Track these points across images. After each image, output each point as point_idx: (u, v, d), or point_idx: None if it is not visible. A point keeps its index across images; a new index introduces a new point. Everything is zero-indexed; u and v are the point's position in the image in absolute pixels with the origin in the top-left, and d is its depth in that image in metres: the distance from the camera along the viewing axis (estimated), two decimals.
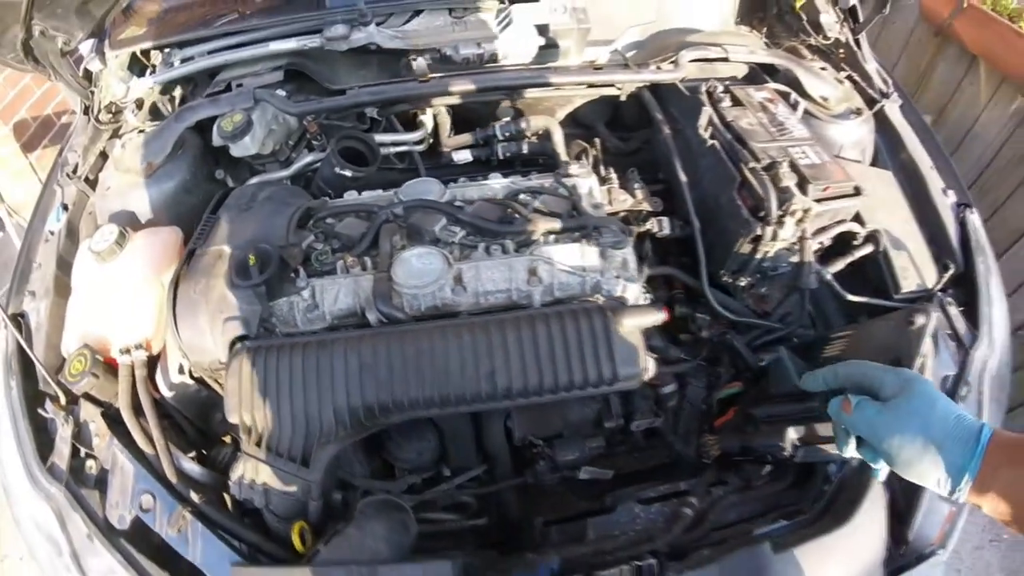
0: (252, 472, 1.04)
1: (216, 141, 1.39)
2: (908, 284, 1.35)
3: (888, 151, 1.57)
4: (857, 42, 1.66)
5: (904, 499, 1.20)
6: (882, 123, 1.59)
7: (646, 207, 1.41)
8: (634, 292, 1.19)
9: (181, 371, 1.20)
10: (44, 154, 2.74)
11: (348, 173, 1.44)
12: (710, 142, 1.34)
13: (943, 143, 1.63)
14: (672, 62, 1.45)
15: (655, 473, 1.41)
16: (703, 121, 1.35)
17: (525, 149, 1.54)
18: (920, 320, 1.02)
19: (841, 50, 1.69)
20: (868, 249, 1.37)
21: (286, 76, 1.52)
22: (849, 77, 1.65)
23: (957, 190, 1.52)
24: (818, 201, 1.26)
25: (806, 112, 1.49)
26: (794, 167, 1.27)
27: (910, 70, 2.13)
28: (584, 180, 1.36)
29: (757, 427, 1.18)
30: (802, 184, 1.25)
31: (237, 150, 1.39)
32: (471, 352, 1.04)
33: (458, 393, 1.03)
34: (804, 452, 1.12)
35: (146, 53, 1.58)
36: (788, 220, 1.23)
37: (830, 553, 1.00)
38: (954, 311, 1.34)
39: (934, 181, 1.51)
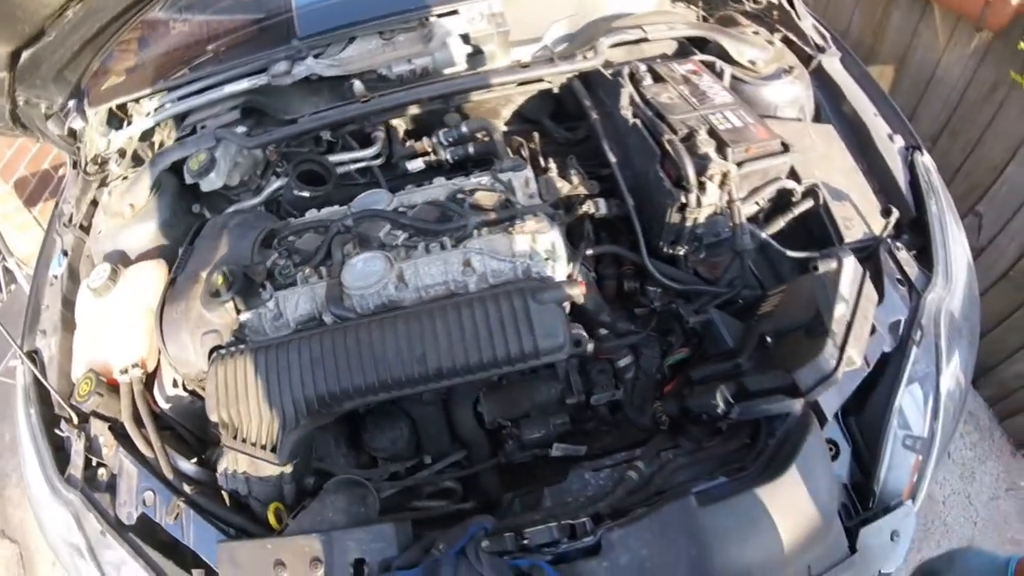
0: (233, 463, 1.16)
1: (188, 179, 1.54)
2: (852, 234, 1.32)
3: (829, 105, 1.54)
4: (791, 2, 1.64)
5: (868, 451, 1.17)
6: (821, 78, 1.57)
7: (582, 191, 1.44)
8: (562, 271, 1.23)
9: (175, 384, 1.34)
10: (45, 207, 2.91)
11: (307, 194, 1.55)
12: (632, 120, 1.36)
13: (906, 92, 1.58)
14: (591, 50, 1.48)
15: (626, 449, 1.42)
16: (624, 101, 1.38)
17: (471, 151, 1.61)
18: (825, 265, 1.00)
19: (775, 12, 1.67)
20: (808, 204, 1.35)
21: (247, 112, 1.66)
22: (784, 38, 1.63)
23: (904, 134, 1.47)
24: (740, 164, 1.26)
25: (735, 78, 1.49)
26: (712, 133, 1.28)
27: (865, 23, 2.04)
28: (519, 173, 1.41)
29: (692, 389, 1.19)
30: (721, 148, 1.25)
31: (206, 185, 1.54)
32: (405, 339, 1.11)
33: (395, 377, 1.10)
34: (740, 409, 1.11)
35: (121, 107, 1.74)
36: (709, 185, 1.24)
37: (761, 506, 0.99)
38: (903, 255, 1.30)
39: (879, 128, 1.47)
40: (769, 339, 1.11)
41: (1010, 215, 1.68)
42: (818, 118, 1.55)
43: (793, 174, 1.35)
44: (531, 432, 1.36)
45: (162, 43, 1.78)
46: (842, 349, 1.03)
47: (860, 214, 1.35)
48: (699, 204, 1.26)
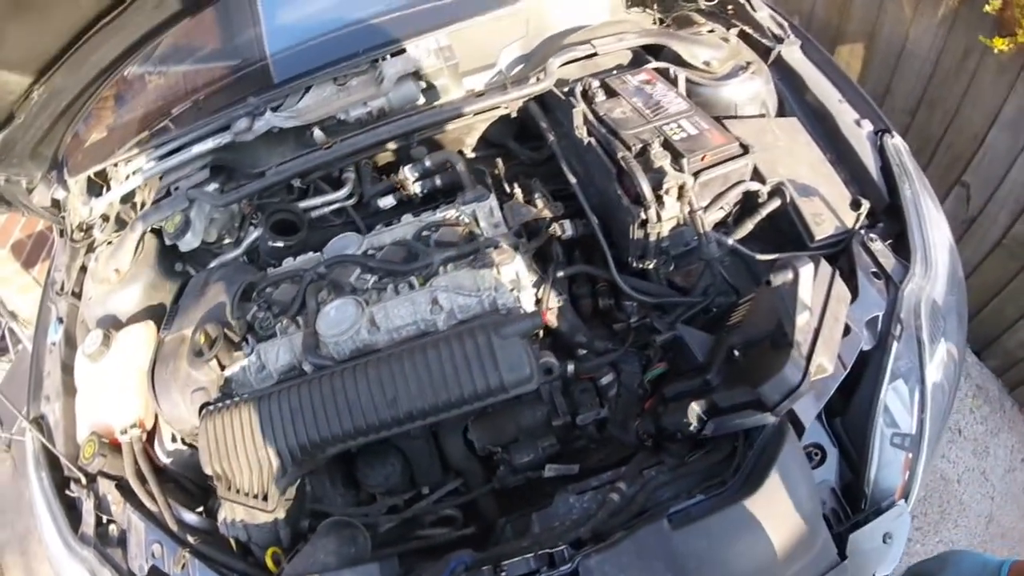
0: (231, 513, 1.19)
1: (167, 241, 1.57)
2: (823, 230, 1.27)
3: (793, 96, 1.48)
4: None
5: (856, 452, 1.13)
6: (782, 69, 1.51)
7: (547, 213, 1.42)
8: (528, 300, 1.21)
9: (174, 439, 1.38)
10: (43, 267, 2.91)
11: (280, 244, 1.57)
12: (587, 140, 1.33)
13: (878, 68, 1.51)
14: (542, 71, 1.45)
15: (619, 464, 1.40)
16: (577, 120, 1.35)
17: (439, 182, 1.61)
18: (780, 278, 0.96)
19: (730, 7, 1.61)
20: (775, 204, 1.30)
21: (218, 169, 1.69)
22: (741, 32, 1.57)
23: (873, 117, 1.40)
24: (696, 173, 1.22)
25: (691, 82, 1.44)
26: (667, 145, 1.24)
27: (830, 4, 1.94)
28: (482, 203, 1.40)
29: (667, 407, 1.16)
30: (676, 159, 1.22)
31: (184, 246, 1.57)
32: (376, 384, 1.11)
33: (370, 422, 1.11)
34: (714, 425, 1.08)
35: (100, 174, 1.76)
36: (667, 199, 1.21)
37: (737, 523, 0.96)
38: (878, 246, 1.25)
39: (845, 115, 1.41)
40: (737, 352, 1.07)
41: (996, 182, 1.59)
42: (782, 111, 1.49)
43: (757, 174, 1.31)
44: (521, 456, 1.35)
45: (137, 101, 1.80)
46: (809, 358, 0.99)
47: (831, 208, 1.30)
48: (659, 219, 1.23)
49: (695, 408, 1.08)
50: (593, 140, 1.33)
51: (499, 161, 1.57)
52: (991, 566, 0.73)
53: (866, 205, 1.26)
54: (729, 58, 1.49)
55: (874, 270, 1.22)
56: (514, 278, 1.23)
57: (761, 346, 1.06)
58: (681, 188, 1.20)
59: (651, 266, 1.34)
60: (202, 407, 1.25)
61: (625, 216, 1.26)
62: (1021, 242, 1.60)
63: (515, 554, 1.07)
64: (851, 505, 1.11)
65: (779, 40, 1.53)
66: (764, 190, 1.30)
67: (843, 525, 1.08)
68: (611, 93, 1.41)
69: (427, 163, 1.58)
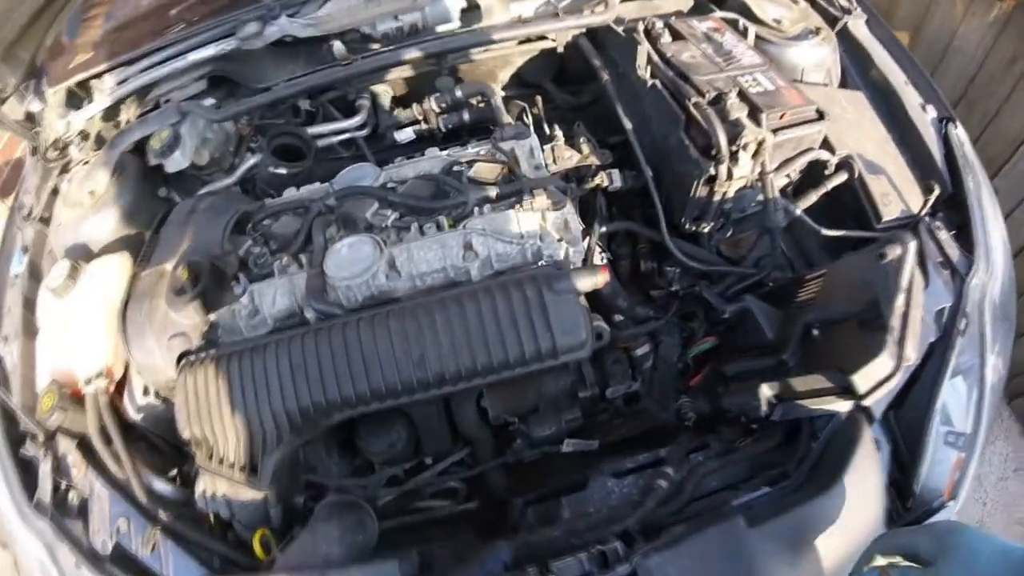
0: (212, 485, 0.96)
1: (151, 161, 1.28)
2: (890, 211, 1.14)
3: (857, 71, 1.34)
4: None
5: (907, 448, 1.02)
6: (847, 41, 1.36)
7: (594, 161, 1.22)
8: (578, 254, 1.02)
9: (146, 392, 1.12)
10: None
11: (283, 171, 1.30)
12: (651, 81, 1.14)
13: (922, 61, 1.38)
14: (601, 3, 1.24)
15: (643, 440, 1.25)
16: (641, 60, 1.15)
17: (467, 117, 1.37)
18: (893, 252, 0.82)
19: None
20: (842, 177, 1.16)
21: (216, 82, 1.40)
22: None
23: (937, 104, 1.28)
24: (774, 131, 1.05)
25: (759, 38, 1.28)
26: (744, 96, 1.07)
27: None
28: (523, 142, 1.18)
29: (728, 386, 1.00)
30: (754, 114, 1.05)
31: (171, 165, 1.28)
32: (400, 339, 0.89)
33: (390, 384, 0.89)
34: (783, 409, 0.94)
35: (83, 85, 1.46)
36: (742, 155, 1.03)
37: (813, 524, 0.83)
38: (944, 236, 1.13)
39: (910, 97, 1.28)
40: (816, 331, 0.93)
41: None
42: (844, 84, 1.35)
43: (826, 144, 1.16)
44: (541, 429, 1.17)
45: (127, 12, 1.51)
46: (901, 344, 0.86)
47: (896, 189, 1.17)
48: (730, 176, 1.05)
49: (766, 391, 0.93)
50: (658, 83, 1.14)
51: (539, 99, 1.35)
52: (1016, 557, 0.54)
53: (938, 189, 1.14)
54: (799, 20, 1.33)
55: (940, 259, 1.11)
56: (562, 227, 1.03)
57: (844, 327, 0.92)
58: (760, 145, 1.03)
59: (706, 229, 1.17)
60: (181, 356, 1.01)
61: (690, 169, 1.08)
62: None
63: (549, 545, 0.89)
64: (900, 502, 1.02)
65: (847, 11, 1.38)
66: (833, 161, 1.16)
67: (896, 525, 0.98)
68: (677, 36, 1.22)
69: (458, 92, 1.34)
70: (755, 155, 1.05)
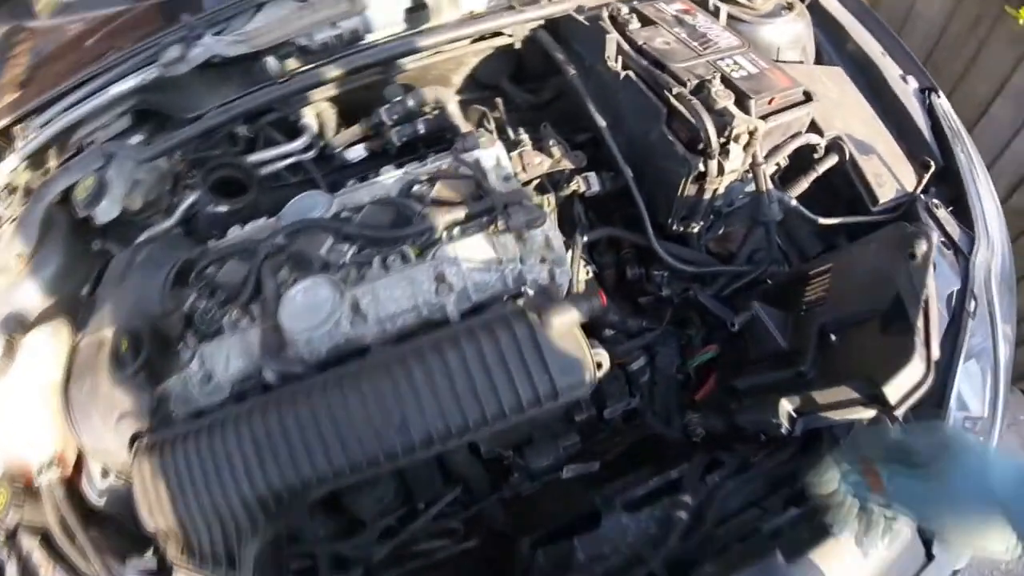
0: None
1: (78, 213, 1.11)
2: (885, 192, 1.06)
3: (832, 45, 1.26)
4: None
5: None
6: (819, 15, 1.27)
7: (567, 165, 1.10)
8: (565, 274, 0.90)
9: (105, 474, 0.97)
10: None
11: (224, 208, 1.13)
12: (623, 73, 1.02)
13: None
14: None
15: (644, 453, 1.15)
16: (610, 50, 1.03)
17: (421, 128, 1.22)
18: (920, 249, 0.73)
19: None
20: (832, 160, 1.07)
21: (142, 116, 1.23)
22: None
23: (917, 74, 1.21)
24: (764, 117, 0.95)
25: (730, 17, 1.17)
26: (728, 83, 0.96)
27: None
28: (487, 151, 1.05)
29: (742, 401, 0.91)
30: (741, 101, 0.94)
31: (100, 216, 1.11)
32: (377, 402, 0.75)
33: (370, 455, 0.75)
34: (804, 422, 0.85)
35: (5, 132, 1.27)
36: (733, 147, 0.93)
37: (852, 548, 0.74)
38: (943, 214, 1.06)
39: (889, 68, 1.21)
40: (833, 336, 0.83)
41: (998, 152, 1.50)
42: (819, 61, 1.26)
43: (814, 127, 1.07)
44: (539, 460, 1.07)
45: (52, 42, 1.35)
46: (928, 347, 0.77)
47: (888, 168, 1.09)
48: (721, 172, 0.95)
49: (787, 406, 0.84)
50: (631, 74, 1.02)
51: (499, 102, 1.22)
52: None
53: (934, 166, 1.06)
54: None
55: (942, 239, 1.04)
56: (543, 245, 0.91)
57: (864, 328, 0.83)
58: (752, 135, 0.93)
59: (695, 229, 1.07)
60: (133, 438, 0.86)
61: (676, 167, 0.97)
62: (1018, 212, 1.53)
63: None
64: None
65: None
66: (822, 144, 1.07)
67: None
68: (646, 21, 1.10)
69: (409, 103, 1.19)
70: (747, 146, 0.94)
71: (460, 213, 0.94)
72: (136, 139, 1.21)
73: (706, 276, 1.09)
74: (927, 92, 1.18)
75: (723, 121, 0.92)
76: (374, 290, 0.88)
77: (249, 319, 0.92)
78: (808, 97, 1.00)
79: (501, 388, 0.74)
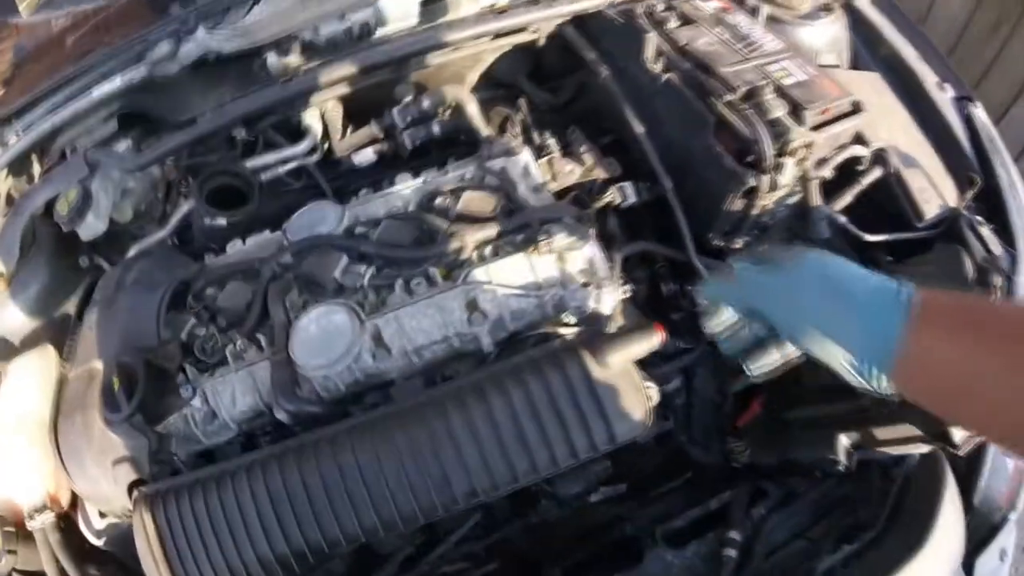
0: None
1: (63, 228, 0.99)
2: (930, 208, 1.00)
3: (866, 49, 1.19)
4: None
5: (966, 462, 0.91)
6: (853, 16, 1.20)
7: (600, 174, 1.01)
8: (611, 300, 0.81)
9: (103, 515, 0.89)
10: None
11: (222, 222, 1.01)
12: (664, 77, 0.93)
13: None
14: None
15: (672, 473, 1.09)
16: (649, 51, 0.94)
17: (437, 131, 1.11)
18: (997, 281, 0.67)
19: None
20: (877, 173, 1.00)
21: (130, 120, 1.10)
22: None
23: (953, 82, 1.15)
24: (816, 128, 0.88)
25: (769, 17, 1.09)
26: (780, 91, 0.88)
27: None
28: (515, 158, 0.95)
29: (795, 435, 0.85)
30: (796, 111, 0.86)
31: (85, 232, 1.01)
32: (412, 455, 0.66)
33: (406, 514, 0.67)
34: (859, 455, 0.79)
35: None
36: (787, 162, 0.85)
37: None
38: (986, 232, 1.01)
39: (926, 75, 1.14)
40: None
41: (1015, 155, 1.47)
42: (854, 66, 1.20)
43: (859, 137, 1.00)
44: (568, 488, 0.98)
45: (38, 38, 1.24)
46: None
47: (931, 181, 1.04)
48: (774, 188, 0.87)
49: (844, 441, 0.78)
50: (674, 77, 0.93)
51: (522, 102, 1.12)
52: (888, 285, 0.44)
53: (979, 182, 1.01)
54: None
55: (986, 258, 0.99)
56: (586, 268, 0.82)
57: None
58: (808, 148, 0.86)
59: (738, 245, 1.00)
60: (131, 486, 0.76)
61: (725, 181, 0.89)
62: None
63: None
64: None
65: None
66: (867, 156, 1.00)
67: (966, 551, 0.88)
68: (685, 20, 1.01)
69: (424, 103, 1.08)
70: (801, 160, 0.87)
71: (492, 230, 0.84)
72: (123, 145, 1.09)
73: None
74: (963, 101, 1.13)
75: (778, 132, 0.84)
76: (398, 319, 0.78)
77: (256, 349, 0.82)
78: (856, 108, 0.93)
79: (554, 438, 0.66)
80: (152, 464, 0.77)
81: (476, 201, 0.90)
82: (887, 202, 1.03)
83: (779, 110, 0.85)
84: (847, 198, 1.00)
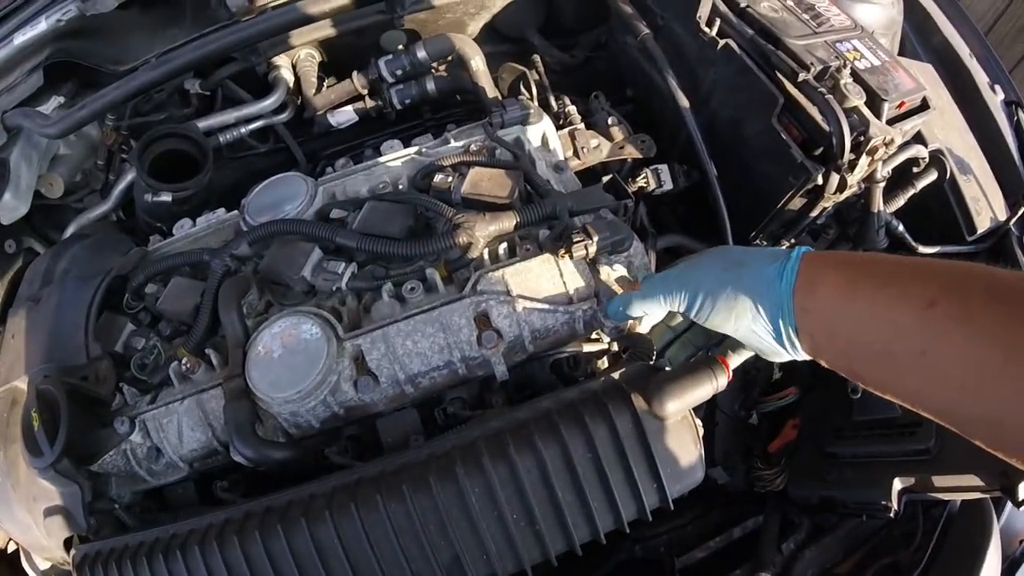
0: None
1: None
2: (982, 221, 0.88)
3: (917, 37, 1.04)
4: None
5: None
6: (905, 2, 1.04)
7: (632, 152, 0.82)
8: (654, 318, 0.64)
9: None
10: None
11: (166, 197, 0.77)
12: (722, 42, 0.74)
13: None
14: None
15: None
16: (704, 10, 0.74)
17: (431, 87, 0.89)
18: None
19: None
20: (932, 176, 0.87)
21: (59, 71, 0.84)
22: None
23: (1004, 84, 1.03)
24: (891, 122, 0.72)
25: None
26: (856, 76, 0.71)
27: None
28: (533, 127, 0.75)
29: (844, 473, 0.72)
30: (873, 101, 0.70)
31: (3, 215, 0.79)
32: (409, 534, 0.48)
33: None
34: (908, 497, 0.68)
35: None
36: (862, 160, 0.69)
37: None
38: None
39: (980, 74, 1.01)
40: None
41: None
42: (901, 52, 1.05)
43: (919, 136, 0.86)
44: None
45: None
46: None
47: (983, 192, 0.91)
48: (842, 188, 0.72)
49: (898, 485, 0.66)
50: (733, 44, 0.74)
51: (536, 59, 0.91)
52: (780, 252, 0.47)
53: None
54: None
55: None
56: (624, 275, 0.64)
57: None
58: (887, 146, 0.70)
59: (785, 247, 0.85)
60: (67, 542, 0.60)
61: (785, 173, 0.72)
62: None
63: None
64: None
65: None
66: (924, 157, 0.86)
67: None
68: None
69: (418, 53, 0.85)
70: (874, 159, 0.71)
71: (508, 222, 0.64)
72: (53, 103, 0.85)
73: None
74: (1013, 107, 1.00)
75: (853, 126, 0.68)
76: (386, 338, 0.58)
77: (206, 367, 0.60)
78: (925, 104, 0.78)
79: (596, 506, 0.49)
80: (88, 515, 0.59)
81: (487, 181, 0.68)
82: (938, 210, 0.90)
83: (857, 99, 0.68)
84: (900, 201, 0.87)
